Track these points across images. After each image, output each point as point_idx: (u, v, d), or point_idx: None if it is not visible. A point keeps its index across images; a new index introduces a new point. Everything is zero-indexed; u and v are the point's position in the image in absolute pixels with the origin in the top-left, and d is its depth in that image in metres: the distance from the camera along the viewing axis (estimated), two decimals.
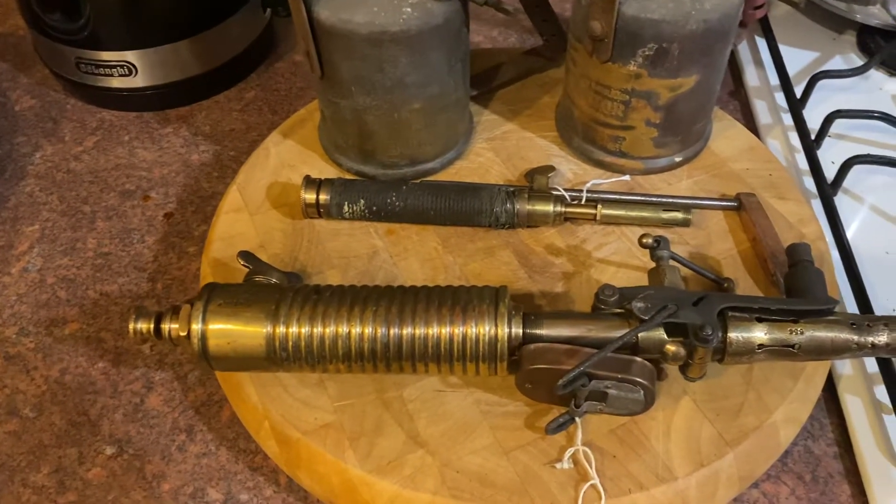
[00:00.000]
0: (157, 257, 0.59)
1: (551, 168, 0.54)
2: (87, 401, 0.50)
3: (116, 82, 0.68)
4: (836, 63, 0.71)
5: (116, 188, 0.64)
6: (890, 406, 0.46)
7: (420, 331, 0.41)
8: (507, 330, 0.41)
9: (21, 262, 0.58)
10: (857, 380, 0.48)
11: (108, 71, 0.67)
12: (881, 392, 0.47)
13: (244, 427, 0.46)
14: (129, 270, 0.58)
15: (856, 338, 0.40)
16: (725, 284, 0.48)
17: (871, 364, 0.49)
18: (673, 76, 0.49)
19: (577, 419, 0.41)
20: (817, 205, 0.57)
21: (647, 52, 0.48)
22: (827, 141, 0.62)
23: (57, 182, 0.65)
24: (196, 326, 0.42)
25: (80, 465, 0.48)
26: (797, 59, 0.71)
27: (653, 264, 0.46)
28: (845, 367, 0.49)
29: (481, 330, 0.41)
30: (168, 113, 0.70)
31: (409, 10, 0.46)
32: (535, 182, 0.53)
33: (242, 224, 0.53)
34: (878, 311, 0.51)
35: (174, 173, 0.65)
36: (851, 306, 0.51)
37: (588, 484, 0.40)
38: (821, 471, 0.46)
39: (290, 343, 0.41)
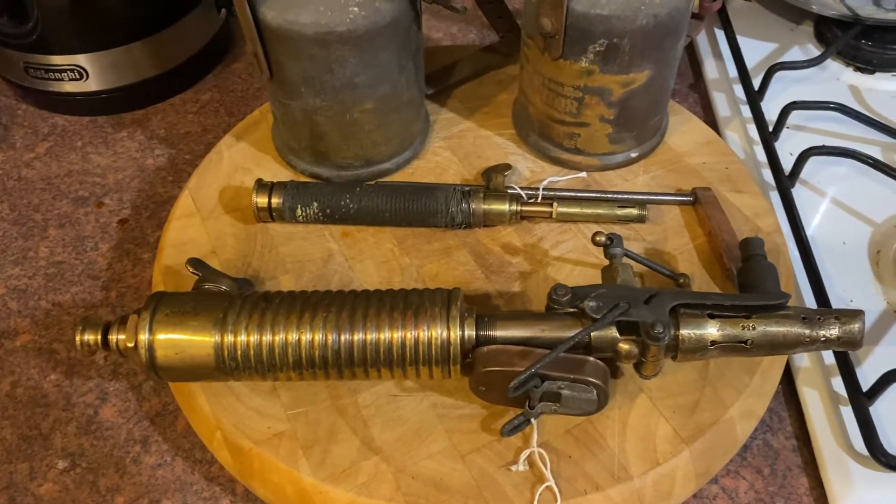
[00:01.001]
0: (111, 265, 0.58)
1: (508, 166, 0.54)
2: (38, 414, 0.49)
3: (68, 86, 0.66)
4: (795, 54, 0.71)
5: (69, 195, 0.63)
6: (846, 397, 0.47)
7: (371, 336, 0.40)
8: (459, 332, 0.40)
9: None
10: (814, 372, 0.48)
11: (58, 75, 0.65)
12: (838, 384, 0.47)
13: (199, 437, 0.45)
14: (83, 279, 0.57)
15: (807, 332, 0.40)
16: (681, 280, 0.47)
17: (829, 356, 0.49)
18: (625, 72, 0.49)
19: (532, 420, 0.41)
20: (776, 197, 0.57)
21: (597, 49, 0.47)
22: (785, 132, 0.62)
23: (7, 190, 0.63)
24: (143, 337, 0.41)
25: (32, 480, 0.47)
26: (756, 51, 0.71)
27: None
28: (803, 360, 0.49)
29: (433, 333, 0.40)
30: (123, 117, 0.69)
31: (355, 9, 0.45)
32: (492, 181, 0.52)
33: (194, 230, 0.52)
34: (835, 301, 0.51)
35: (129, 178, 0.64)
36: (809, 298, 0.51)
37: (544, 486, 0.40)
38: (779, 464, 0.46)
39: (239, 352, 0.41)
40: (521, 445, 0.41)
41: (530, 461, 0.41)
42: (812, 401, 0.48)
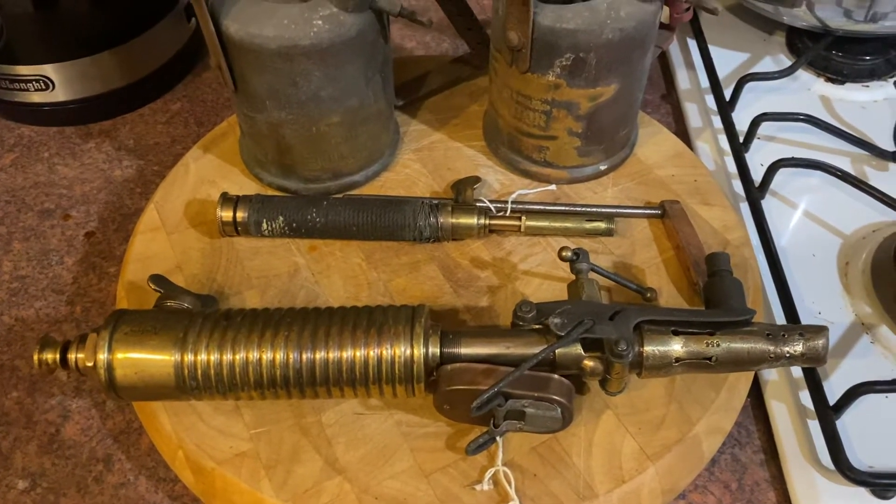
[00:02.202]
0: (76, 279, 0.57)
1: (477, 179, 0.54)
2: None
3: (34, 97, 0.65)
4: (767, 64, 0.71)
5: (35, 207, 0.62)
6: (814, 412, 0.47)
7: (334, 354, 0.40)
8: (423, 350, 0.40)
9: None
10: (782, 385, 0.48)
11: (23, 86, 0.64)
12: (806, 397, 0.47)
13: (160, 452, 0.45)
14: (47, 294, 0.56)
15: (772, 348, 0.40)
16: (648, 294, 0.47)
17: (797, 370, 0.49)
18: (592, 85, 0.48)
19: (497, 439, 0.40)
20: (746, 208, 0.57)
21: (564, 63, 0.47)
22: (756, 143, 0.62)
23: None
24: (102, 356, 0.40)
25: None
26: (728, 61, 0.71)
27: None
28: (771, 374, 0.49)
29: (397, 351, 0.40)
30: (90, 127, 0.68)
31: (319, 22, 0.45)
32: (461, 194, 0.52)
33: (159, 244, 0.51)
34: (804, 314, 0.51)
35: (96, 190, 0.63)
36: (778, 310, 0.51)
37: None
38: (747, 479, 0.46)
39: (200, 371, 0.40)
40: (486, 464, 0.41)
41: (495, 480, 0.40)
42: (780, 414, 0.48)
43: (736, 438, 0.48)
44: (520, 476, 0.40)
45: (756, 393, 0.49)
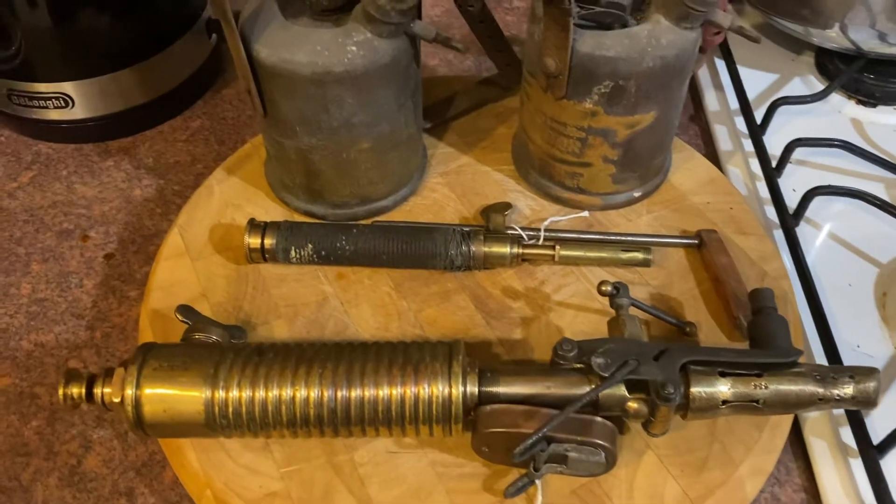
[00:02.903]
0: (96, 303, 0.56)
1: (508, 205, 0.52)
2: (18, 464, 0.47)
3: (53, 114, 0.64)
4: (796, 85, 0.70)
5: (53, 227, 0.61)
6: (856, 449, 0.45)
7: (369, 393, 0.39)
8: (461, 389, 0.39)
9: None
10: (822, 423, 0.47)
11: (42, 103, 0.63)
12: (847, 434, 0.46)
13: (186, 490, 0.44)
14: (66, 318, 0.55)
15: (821, 391, 0.39)
16: (688, 329, 0.46)
17: None
18: (630, 113, 0.47)
19: (536, 482, 0.39)
20: (779, 234, 0.56)
21: (602, 90, 0.46)
22: (788, 167, 0.61)
23: None
24: (130, 392, 0.39)
25: None
26: (757, 82, 0.70)
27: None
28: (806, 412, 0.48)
29: (434, 390, 0.39)
30: (109, 144, 0.67)
31: (353, 48, 0.44)
32: (492, 221, 0.51)
33: (183, 271, 0.50)
34: (842, 346, 0.50)
35: (115, 210, 0.62)
36: (815, 341, 0.50)
37: None
38: None
39: (231, 409, 0.39)
40: None
41: None
42: (820, 452, 0.46)
43: (776, 477, 0.47)
44: None
45: (795, 430, 0.48)
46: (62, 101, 0.63)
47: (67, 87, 0.63)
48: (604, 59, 0.45)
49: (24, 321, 0.55)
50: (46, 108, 0.64)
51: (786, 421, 0.44)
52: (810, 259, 0.54)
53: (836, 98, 0.68)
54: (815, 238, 0.57)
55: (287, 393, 0.39)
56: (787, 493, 0.46)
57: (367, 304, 0.49)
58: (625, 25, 0.46)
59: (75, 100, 0.63)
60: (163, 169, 0.65)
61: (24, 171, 0.65)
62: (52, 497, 0.46)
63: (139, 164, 0.66)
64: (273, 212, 0.54)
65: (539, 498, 0.40)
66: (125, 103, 0.65)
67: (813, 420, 0.47)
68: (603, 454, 0.38)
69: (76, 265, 0.58)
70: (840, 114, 0.67)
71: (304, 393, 0.39)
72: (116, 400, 0.40)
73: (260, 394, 0.39)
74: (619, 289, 0.43)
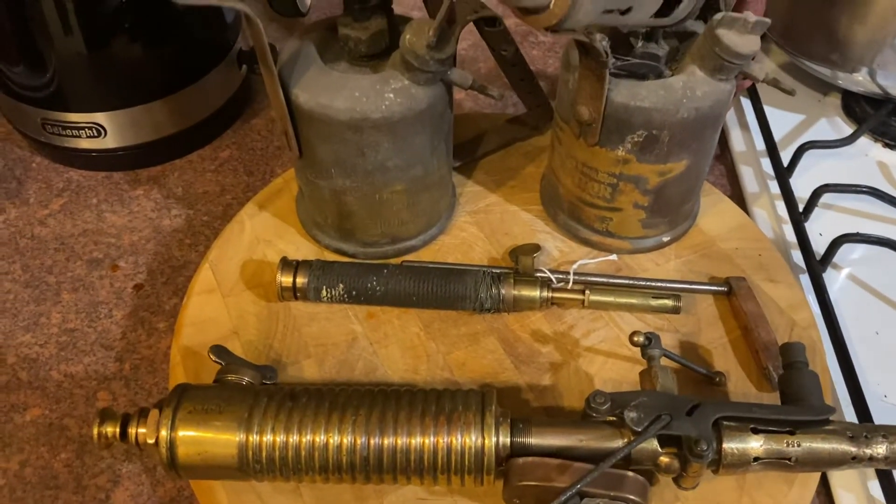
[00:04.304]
0: (125, 334, 0.56)
1: (537, 247, 0.53)
2: (47, 497, 0.48)
3: (85, 143, 0.65)
4: (822, 126, 0.70)
5: (84, 256, 0.61)
6: (884, 502, 0.45)
7: (402, 441, 0.39)
8: (494, 440, 0.39)
9: None
10: (851, 476, 0.47)
11: (75, 132, 0.64)
12: (875, 488, 0.46)
13: None
14: (96, 349, 0.55)
15: (854, 450, 0.39)
16: (717, 379, 0.46)
17: None
18: (662, 161, 0.48)
19: None
20: (805, 280, 0.56)
21: (636, 139, 0.46)
22: (815, 211, 0.61)
23: (20, 249, 0.62)
24: (165, 434, 0.40)
25: None
26: (783, 122, 0.70)
27: (642, 358, 0.44)
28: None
29: (467, 440, 0.39)
30: (139, 173, 0.68)
31: (391, 95, 0.44)
32: (521, 263, 0.51)
33: (214, 307, 0.51)
34: (870, 397, 0.49)
35: (144, 240, 0.62)
36: (842, 390, 0.50)
37: None
38: None
39: (264, 454, 0.39)
40: None
41: None
42: None
43: None
44: None
45: (823, 481, 0.47)
46: (95, 131, 0.64)
47: (100, 118, 0.64)
48: (638, 110, 0.45)
49: (54, 351, 0.55)
50: (79, 136, 0.64)
51: (814, 476, 0.44)
52: (836, 305, 0.54)
53: (863, 141, 0.68)
54: (841, 283, 0.57)
55: (320, 439, 0.39)
56: None
57: (396, 344, 0.49)
58: (659, 76, 0.46)
59: (107, 129, 0.64)
60: (192, 199, 0.66)
61: (55, 199, 0.66)
62: None
63: (168, 194, 0.66)
64: (304, 248, 0.54)
65: None
66: (156, 133, 0.66)
67: (841, 473, 0.47)
68: None
69: (105, 295, 0.59)
70: (867, 157, 0.67)
71: (337, 439, 0.39)
72: (151, 441, 0.40)
73: (293, 439, 0.39)
74: (651, 339, 0.43)
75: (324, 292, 0.49)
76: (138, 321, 0.57)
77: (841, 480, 0.47)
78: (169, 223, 0.64)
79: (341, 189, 0.49)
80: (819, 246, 0.58)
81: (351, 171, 0.48)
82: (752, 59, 0.45)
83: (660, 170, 0.48)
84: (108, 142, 0.65)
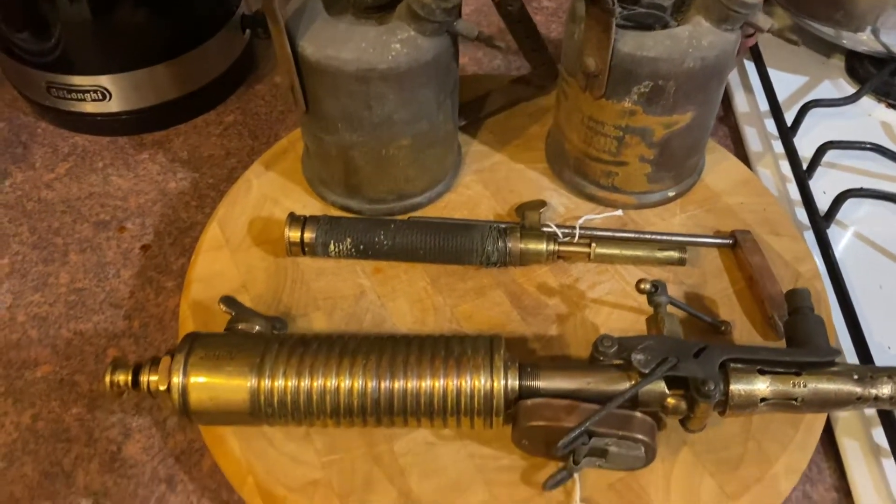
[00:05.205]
0: (133, 293, 0.56)
1: (542, 203, 0.53)
2: (60, 450, 0.48)
3: (90, 107, 0.65)
4: (826, 87, 0.70)
5: (90, 218, 0.62)
6: (888, 450, 0.46)
7: (412, 384, 0.39)
8: (503, 383, 0.39)
9: None
10: (854, 423, 0.48)
11: (80, 96, 0.64)
12: (879, 435, 0.46)
13: (226, 477, 0.44)
14: (105, 307, 0.56)
15: (859, 390, 0.39)
16: (723, 328, 0.46)
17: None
18: (668, 113, 0.48)
19: (575, 475, 0.40)
20: (810, 236, 0.57)
21: (642, 90, 0.47)
22: (818, 170, 0.61)
23: (27, 212, 0.62)
24: (177, 380, 0.40)
25: None
26: (786, 84, 0.70)
27: (648, 307, 0.44)
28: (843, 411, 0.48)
29: (476, 383, 0.39)
30: (144, 137, 0.68)
31: (397, 46, 0.44)
32: (527, 218, 0.51)
33: (223, 262, 0.51)
34: (874, 348, 0.50)
35: (151, 202, 0.63)
36: (847, 344, 0.51)
37: None
38: None
39: (276, 398, 0.39)
40: (562, 500, 0.40)
41: None
42: (853, 453, 0.47)
43: (807, 476, 0.47)
44: None
45: (827, 430, 0.48)
46: (99, 94, 0.64)
47: (105, 81, 0.64)
48: (645, 60, 0.45)
49: (63, 310, 0.55)
50: (84, 100, 0.65)
51: (819, 420, 0.44)
52: (840, 260, 0.55)
53: (867, 101, 0.68)
54: (845, 240, 0.57)
55: (331, 383, 0.39)
56: (819, 492, 0.47)
57: (403, 298, 0.49)
58: (665, 26, 0.46)
59: (112, 93, 0.64)
60: (197, 162, 0.66)
61: (61, 163, 0.66)
62: (94, 482, 0.47)
63: (173, 158, 0.66)
64: (310, 206, 0.55)
65: (577, 492, 0.40)
66: (160, 97, 0.66)
67: (845, 421, 0.48)
68: (642, 449, 0.38)
69: (113, 256, 0.59)
70: (870, 117, 0.67)
71: (348, 383, 0.39)
72: (163, 388, 0.41)
73: (305, 383, 0.39)
74: (657, 287, 0.44)
75: (331, 247, 0.50)
76: (146, 280, 0.57)
77: (845, 428, 0.48)
78: (175, 186, 0.64)
79: (348, 144, 0.49)
80: (823, 204, 0.58)
81: (357, 126, 0.48)
82: (758, 8, 0.45)
83: (666, 122, 0.48)
84: (113, 105, 0.65)
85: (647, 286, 0.44)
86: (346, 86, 0.45)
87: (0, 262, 0.58)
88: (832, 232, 0.57)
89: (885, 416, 0.46)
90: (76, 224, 0.61)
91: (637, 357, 0.39)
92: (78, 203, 0.63)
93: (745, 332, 0.48)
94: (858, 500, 0.45)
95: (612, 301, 0.49)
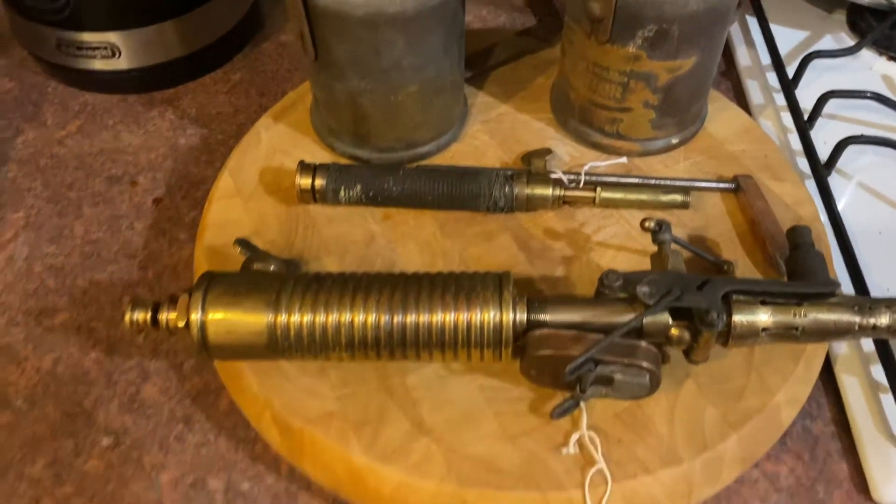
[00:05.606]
0: (147, 244, 0.58)
1: (548, 151, 0.54)
2: (80, 392, 0.50)
3: (99, 64, 0.66)
4: (827, 42, 0.71)
5: (102, 174, 0.63)
6: (887, 385, 0.47)
7: (424, 318, 0.41)
8: (511, 316, 0.41)
9: (7, 251, 0.57)
10: (853, 360, 0.49)
11: (90, 53, 0.65)
12: (878, 371, 0.48)
13: (243, 416, 0.46)
14: (119, 258, 0.57)
15: (858, 319, 0.40)
16: (725, 267, 0.48)
17: (868, 343, 0.49)
18: (672, 58, 0.49)
19: (581, 404, 0.41)
20: (811, 185, 0.58)
21: (646, 34, 0.47)
22: (818, 121, 0.62)
23: (41, 167, 0.63)
24: (195, 316, 0.41)
25: (77, 456, 0.47)
26: (788, 39, 0.71)
27: (653, 248, 0.46)
28: (842, 347, 0.49)
29: (486, 317, 0.40)
30: (153, 96, 0.69)
31: None
32: (533, 165, 0.52)
33: (235, 210, 0.52)
34: (874, 291, 0.51)
35: (161, 158, 0.64)
36: (847, 288, 0.52)
37: (595, 468, 0.40)
38: (819, 450, 0.47)
39: (292, 332, 0.41)
40: (569, 429, 0.42)
41: (580, 444, 0.41)
42: (851, 388, 0.48)
43: (807, 411, 0.48)
44: (604, 441, 0.41)
45: (826, 367, 0.49)
46: (109, 51, 0.65)
47: (114, 37, 0.64)
48: (649, 3, 0.46)
49: (78, 261, 0.57)
50: (93, 57, 0.65)
51: (819, 353, 0.46)
52: (841, 208, 0.56)
53: (867, 54, 0.68)
54: (845, 188, 0.58)
55: (346, 317, 0.41)
56: (818, 426, 0.48)
57: (413, 243, 0.50)
58: None
59: (121, 49, 0.65)
60: (206, 119, 0.67)
61: (72, 120, 0.67)
62: (114, 422, 0.48)
63: (183, 115, 0.67)
64: (319, 156, 0.56)
65: (584, 420, 0.41)
66: (169, 54, 0.67)
67: (844, 357, 0.49)
68: (647, 376, 0.40)
69: (126, 209, 0.60)
70: (871, 70, 0.68)
71: (362, 317, 0.41)
72: (181, 325, 0.42)
73: (320, 318, 0.41)
74: (661, 225, 0.45)
75: (342, 193, 0.51)
76: (159, 232, 0.58)
77: (844, 365, 0.49)
78: (185, 142, 0.65)
79: (357, 91, 0.50)
80: (824, 154, 0.59)
81: (366, 72, 0.49)
82: None
83: (670, 66, 0.49)
84: (122, 63, 0.66)
85: (652, 224, 0.45)
86: (355, 31, 0.46)
87: (15, 215, 0.59)
88: (833, 181, 0.58)
89: (883, 353, 0.47)
90: (89, 179, 0.62)
91: (642, 289, 0.40)
92: (90, 159, 0.64)
93: (747, 272, 0.49)
94: (857, 434, 0.46)
95: (616, 244, 0.50)
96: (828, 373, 0.49)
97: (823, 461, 0.46)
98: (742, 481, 0.45)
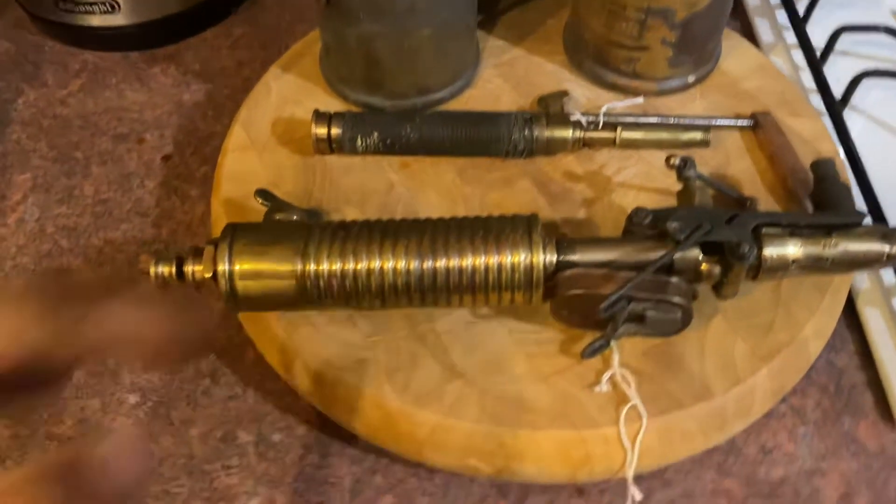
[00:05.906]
0: (159, 202, 0.57)
1: (565, 93, 0.53)
2: None
3: (97, 20, 0.64)
4: None
5: (108, 132, 0.62)
6: None
7: (454, 263, 0.40)
8: (542, 257, 0.40)
9: (17, 213, 0.56)
10: (875, 293, 0.49)
11: (88, 8, 0.63)
12: None
13: (270, 368, 0.45)
14: (132, 216, 0.56)
15: (887, 248, 0.40)
16: (748, 203, 0.47)
17: (889, 276, 0.49)
18: None
19: (612, 343, 0.41)
20: (827, 122, 0.57)
21: None
22: (830, 59, 0.62)
23: (44, 128, 0.62)
24: (223, 267, 0.41)
25: (105, 415, 0.47)
26: None
27: (675, 186, 0.45)
28: (864, 282, 0.50)
29: (516, 259, 0.40)
30: (154, 52, 0.67)
31: None
32: (551, 108, 0.52)
33: (250, 162, 0.51)
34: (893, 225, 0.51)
35: (167, 114, 0.63)
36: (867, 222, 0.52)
37: (629, 405, 0.40)
38: (844, 382, 0.47)
39: (322, 281, 0.40)
40: (601, 368, 0.42)
41: (613, 382, 0.41)
42: (874, 321, 0.48)
43: (831, 344, 0.49)
44: (636, 378, 0.41)
45: (848, 302, 0.49)
46: (108, 6, 0.63)
47: None
48: None
49: (90, 220, 0.56)
50: (92, 13, 0.64)
51: (844, 286, 0.46)
52: (857, 144, 0.55)
53: None
54: (860, 124, 0.58)
55: (376, 264, 0.40)
56: (843, 359, 0.48)
57: (432, 190, 0.50)
58: None
59: (120, 4, 0.63)
60: (210, 74, 0.66)
61: (73, 80, 0.65)
62: (140, 379, 0.48)
63: (186, 70, 0.66)
64: (331, 106, 0.54)
65: (616, 358, 0.42)
66: (168, 9, 0.65)
67: (866, 291, 0.49)
68: (679, 312, 0.40)
69: (135, 167, 0.59)
70: (881, 7, 0.67)
71: (392, 264, 0.40)
72: (208, 275, 0.41)
73: (350, 266, 0.40)
74: (686, 161, 0.44)
75: (359, 141, 0.50)
76: (171, 189, 0.58)
77: (866, 299, 0.49)
78: (190, 98, 0.64)
79: (369, 35, 0.49)
80: (837, 90, 0.59)
81: (379, 15, 0.48)
82: None
83: (686, 2, 0.48)
84: (121, 18, 0.64)
85: (677, 161, 0.44)
86: None
87: (22, 176, 0.58)
88: (849, 117, 0.58)
89: None
90: (94, 138, 0.61)
91: (672, 225, 0.40)
92: (94, 117, 0.63)
93: (769, 208, 0.49)
94: (881, 365, 0.47)
95: (637, 184, 0.50)
96: (849, 306, 0.50)
97: (849, 393, 0.47)
98: (770, 415, 0.46)
